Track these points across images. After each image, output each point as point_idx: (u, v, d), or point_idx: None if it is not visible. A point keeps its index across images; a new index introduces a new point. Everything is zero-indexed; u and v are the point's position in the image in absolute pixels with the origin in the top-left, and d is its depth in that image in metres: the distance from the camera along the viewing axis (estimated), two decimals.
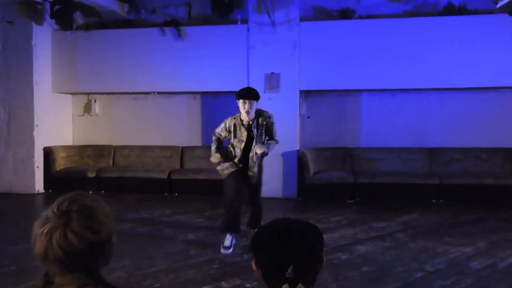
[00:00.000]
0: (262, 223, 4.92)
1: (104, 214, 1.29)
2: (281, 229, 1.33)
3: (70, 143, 8.93)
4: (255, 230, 1.38)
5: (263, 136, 4.79)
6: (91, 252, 1.23)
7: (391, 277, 4.00)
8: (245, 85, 7.64)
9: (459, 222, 5.98)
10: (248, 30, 7.72)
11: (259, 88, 7.58)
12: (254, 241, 1.35)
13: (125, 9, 8.24)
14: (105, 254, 1.29)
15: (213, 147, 4.95)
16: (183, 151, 8.52)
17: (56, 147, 8.34)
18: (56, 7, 7.36)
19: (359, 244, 5.00)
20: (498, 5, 6.97)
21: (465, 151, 7.73)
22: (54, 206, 1.26)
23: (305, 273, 1.28)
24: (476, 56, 7.23)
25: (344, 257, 4.54)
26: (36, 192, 8.08)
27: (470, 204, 6.97)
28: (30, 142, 8.02)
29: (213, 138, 4.98)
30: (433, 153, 7.82)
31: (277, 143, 4.90)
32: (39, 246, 1.21)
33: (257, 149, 4.66)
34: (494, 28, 7.17)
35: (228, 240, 4.80)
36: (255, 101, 4.69)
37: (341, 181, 7.35)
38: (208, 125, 8.60)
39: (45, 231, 1.20)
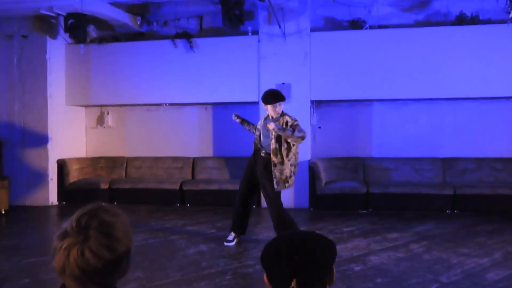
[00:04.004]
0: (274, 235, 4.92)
1: (122, 230, 1.27)
2: (288, 242, 1.32)
3: (84, 155, 9.01)
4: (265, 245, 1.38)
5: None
6: (107, 269, 1.23)
7: None
8: (256, 96, 7.70)
9: (474, 232, 5.89)
10: (259, 41, 7.76)
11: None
12: (263, 255, 1.34)
13: (138, 22, 8.35)
14: (121, 268, 1.28)
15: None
16: (195, 162, 8.54)
17: (70, 159, 8.41)
18: (70, 21, 7.50)
19: (372, 255, 4.95)
20: (511, 15, 6.92)
21: (480, 161, 7.64)
22: (73, 220, 1.24)
23: (311, 286, 1.27)
24: (489, 66, 7.17)
25: (357, 268, 4.50)
26: (50, 204, 8.14)
27: (485, 214, 6.86)
28: (44, 154, 8.12)
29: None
30: (447, 163, 7.73)
31: (298, 135, 5.16)
32: (57, 260, 1.21)
33: (269, 125, 5.05)
34: (507, 37, 7.11)
35: None
36: (277, 104, 5.15)
37: (353, 191, 7.30)
38: (219, 136, 8.63)
39: (63, 247, 1.20)
